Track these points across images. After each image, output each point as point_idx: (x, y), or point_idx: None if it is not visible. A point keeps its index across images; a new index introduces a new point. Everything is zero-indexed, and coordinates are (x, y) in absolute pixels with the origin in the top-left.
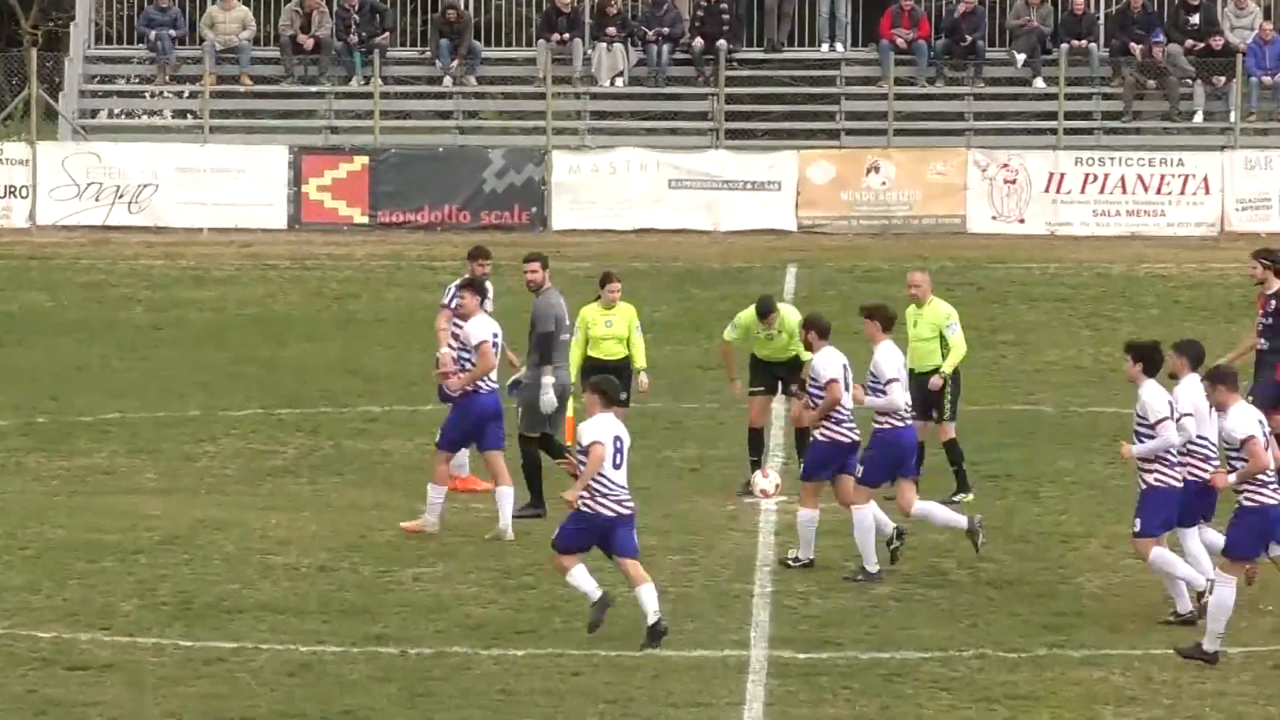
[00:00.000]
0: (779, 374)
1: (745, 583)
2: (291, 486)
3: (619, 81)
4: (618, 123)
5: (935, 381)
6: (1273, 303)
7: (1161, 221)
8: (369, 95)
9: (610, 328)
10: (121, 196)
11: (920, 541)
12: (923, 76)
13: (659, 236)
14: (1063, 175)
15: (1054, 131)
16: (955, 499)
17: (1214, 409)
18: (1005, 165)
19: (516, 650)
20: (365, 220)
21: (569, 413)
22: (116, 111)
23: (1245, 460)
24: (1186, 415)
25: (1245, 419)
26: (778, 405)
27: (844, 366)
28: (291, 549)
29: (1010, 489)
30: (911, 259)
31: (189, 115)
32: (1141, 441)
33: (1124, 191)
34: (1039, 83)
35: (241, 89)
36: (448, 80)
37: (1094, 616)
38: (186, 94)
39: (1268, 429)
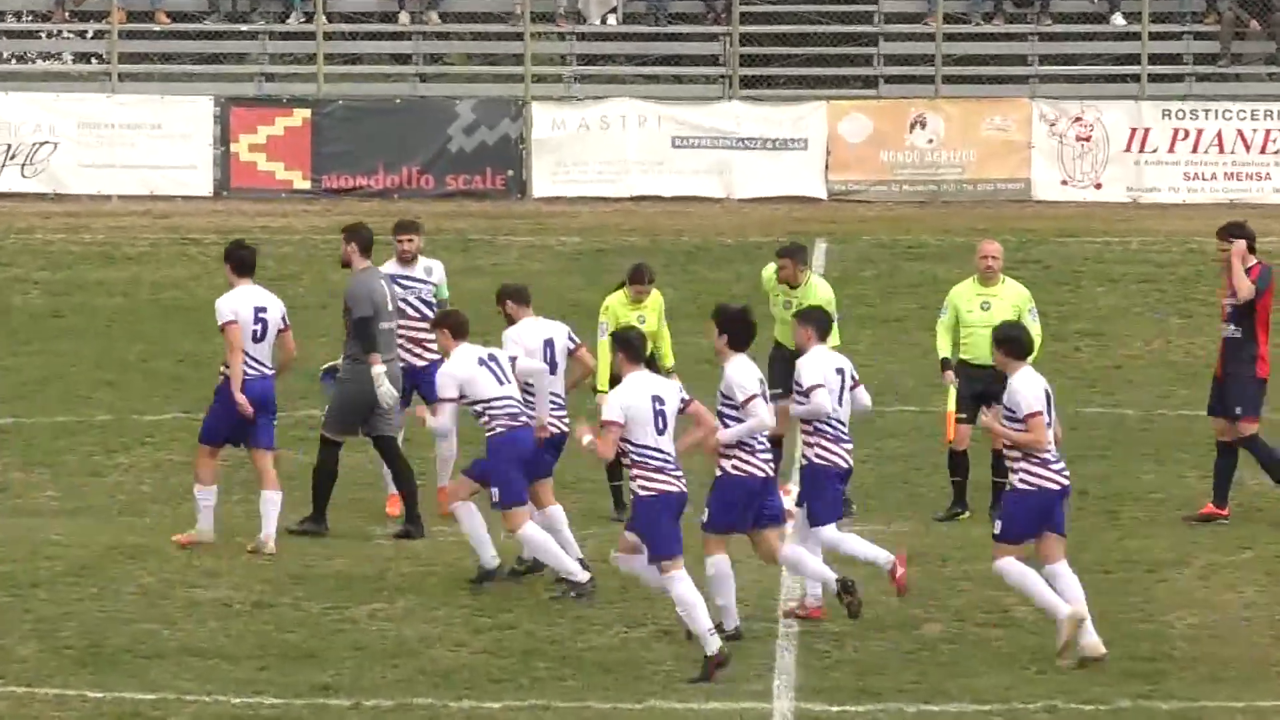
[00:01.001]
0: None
1: (767, 621)
2: (220, 506)
3: (611, 19)
4: (610, 69)
5: None
6: None
7: (1266, 186)
8: (311, 36)
9: (643, 324)
10: (13, 157)
11: (975, 573)
12: (978, 12)
13: (660, 205)
14: (1147, 131)
15: (1136, 79)
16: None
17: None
18: (1078, 119)
19: (492, 702)
20: (307, 186)
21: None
22: (6, 55)
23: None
24: (817, 387)
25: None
26: None
27: (546, 342)
28: (221, 582)
29: (1085, 509)
30: (966, 233)
31: (94, 60)
32: (728, 425)
33: (1221, 151)
34: (1117, 19)
35: (157, 28)
36: (405, 18)
37: (1187, 662)
38: (90, 34)
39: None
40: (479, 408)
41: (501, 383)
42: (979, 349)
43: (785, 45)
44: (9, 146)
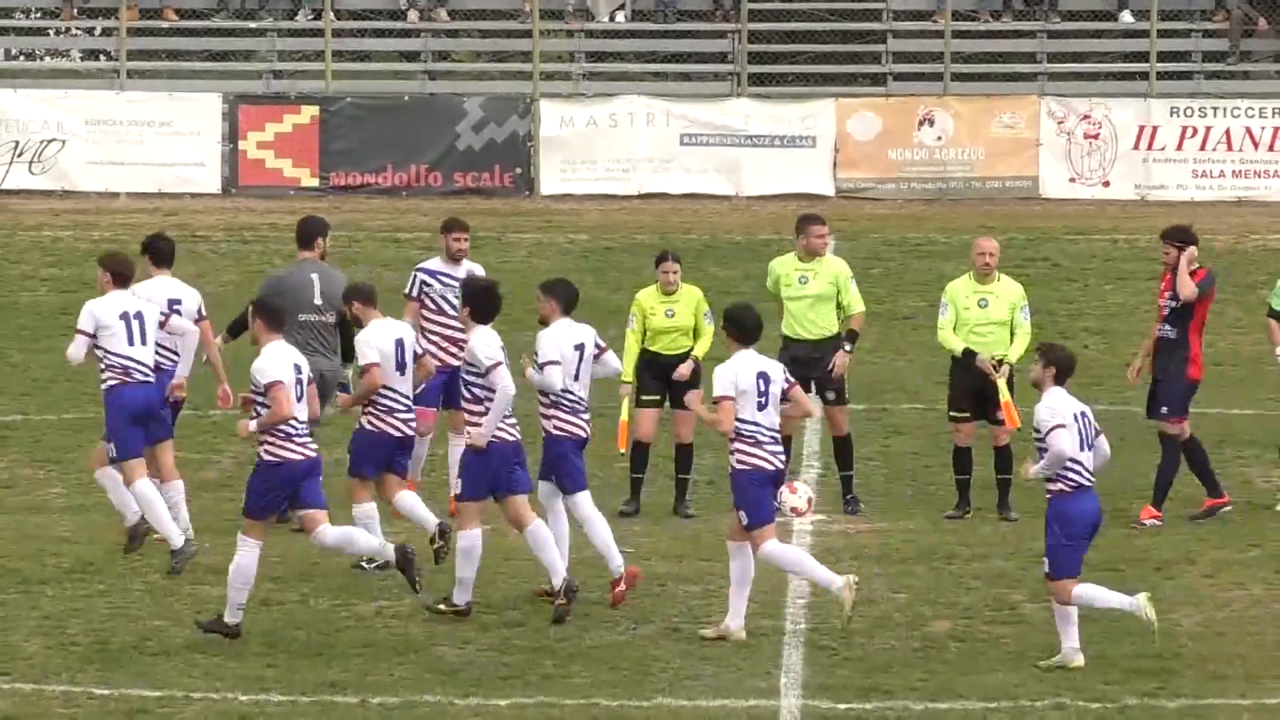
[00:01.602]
0: (811, 358)
1: (774, 619)
2: (227, 503)
3: (620, 16)
4: (619, 66)
5: (1004, 369)
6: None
7: (1274, 184)
8: (319, 33)
9: (672, 318)
10: (21, 154)
11: (985, 570)
12: (986, 9)
13: (669, 203)
14: (1155, 129)
15: (1144, 76)
16: (1012, 517)
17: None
18: (1086, 117)
19: (499, 699)
20: (315, 183)
21: (623, 415)
22: (14, 52)
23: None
24: (552, 363)
25: (271, 362)
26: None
27: (397, 342)
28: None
29: None
30: (974, 230)
31: (102, 57)
32: (473, 394)
33: (1229, 148)
34: (1126, 17)
35: (165, 25)
36: (414, 15)
37: (1194, 660)
38: (99, 31)
39: (302, 376)
40: (99, 352)
41: (131, 343)
42: (976, 346)
43: (794, 43)
44: (17, 144)
